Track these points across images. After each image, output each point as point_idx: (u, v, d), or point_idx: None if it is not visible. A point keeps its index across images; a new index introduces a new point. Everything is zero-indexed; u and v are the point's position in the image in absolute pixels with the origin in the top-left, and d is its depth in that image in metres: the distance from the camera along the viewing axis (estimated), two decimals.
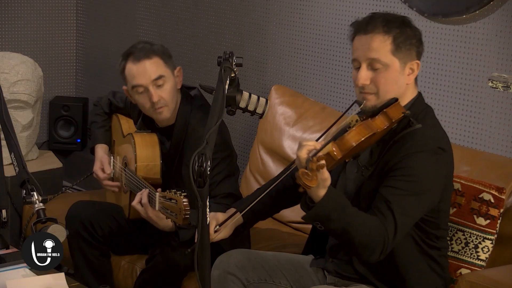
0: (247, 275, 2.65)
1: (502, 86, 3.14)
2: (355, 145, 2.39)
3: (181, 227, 2.95)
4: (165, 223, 2.98)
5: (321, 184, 2.36)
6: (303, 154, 2.36)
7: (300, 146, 2.39)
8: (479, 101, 3.25)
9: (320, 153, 2.34)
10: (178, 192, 2.77)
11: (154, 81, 3.11)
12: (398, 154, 2.49)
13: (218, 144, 3.01)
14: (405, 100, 2.59)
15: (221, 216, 2.75)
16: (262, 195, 2.66)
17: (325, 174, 2.36)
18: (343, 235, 2.45)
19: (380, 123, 2.46)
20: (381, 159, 2.54)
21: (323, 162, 2.31)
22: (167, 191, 2.85)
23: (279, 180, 2.63)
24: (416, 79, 2.64)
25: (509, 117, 3.16)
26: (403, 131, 2.52)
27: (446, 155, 2.53)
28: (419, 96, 2.65)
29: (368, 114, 2.52)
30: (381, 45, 2.53)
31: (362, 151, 2.55)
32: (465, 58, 3.28)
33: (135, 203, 2.99)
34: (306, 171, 2.29)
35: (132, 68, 3.15)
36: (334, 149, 2.38)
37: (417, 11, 3.40)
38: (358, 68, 2.57)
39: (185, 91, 3.24)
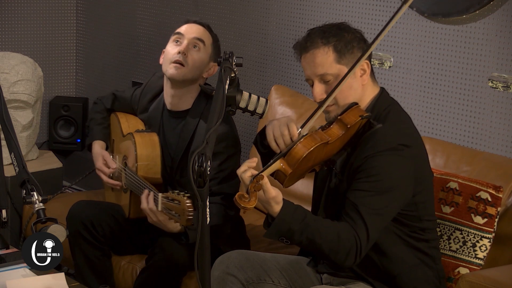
0: (246, 275, 2.66)
1: (502, 86, 3.15)
2: (304, 157, 2.42)
3: (189, 228, 2.95)
4: (173, 225, 2.98)
5: (271, 202, 2.40)
6: (246, 176, 2.38)
7: (243, 167, 2.41)
8: (479, 101, 3.25)
9: (265, 172, 2.38)
10: (182, 193, 2.77)
11: (193, 39, 3.19)
12: (360, 156, 2.51)
13: (228, 137, 3.02)
14: (366, 100, 2.61)
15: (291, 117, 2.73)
16: None
17: (271, 193, 2.39)
18: (310, 245, 2.47)
19: (335, 131, 2.49)
20: (348, 161, 2.57)
21: (261, 182, 2.35)
22: (170, 191, 2.84)
23: None
24: (373, 76, 2.65)
25: (509, 117, 3.16)
26: (366, 133, 2.54)
27: (410, 150, 2.52)
28: (381, 93, 2.66)
29: (330, 123, 2.54)
30: (323, 58, 2.57)
31: (328, 159, 2.57)
32: (465, 58, 3.28)
33: (144, 207, 2.99)
34: (242, 193, 2.34)
35: (185, 25, 3.27)
36: (282, 165, 2.43)
37: (417, 11, 3.40)
38: (312, 85, 2.61)
39: (206, 86, 3.25)
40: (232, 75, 2.43)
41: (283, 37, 4.00)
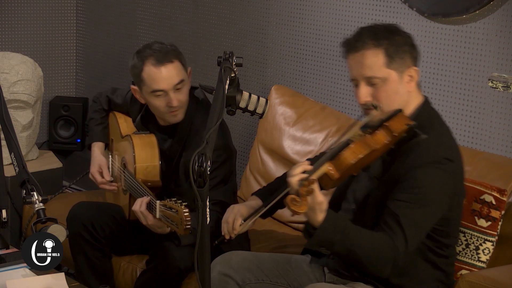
0: (243, 276, 2.65)
1: (502, 86, 3.14)
2: (353, 163, 2.40)
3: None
4: (163, 229, 2.97)
5: (317, 208, 2.38)
6: (294, 179, 2.37)
7: (292, 170, 2.39)
8: (479, 101, 3.25)
9: (315, 175, 2.35)
10: (179, 202, 2.77)
11: (175, 85, 3.09)
12: (403, 166, 2.48)
13: (218, 147, 3.01)
14: (410, 107, 2.57)
15: (245, 211, 2.75)
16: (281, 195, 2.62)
17: (319, 198, 2.37)
18: (350, 256, 2.46)
19: (380, 138, 2.45)
20: (389, 169, 2.54)
21: (312, 187, 2.32)
22: (167, 200, 2.83)
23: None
24: (419, 84, 2.61)
25: (509, 117, 3.16)
26: (409, 142, 2.49)
27: (452, 165, 2.50)
28: (425, 101, 2.62)
29: (373, 127, 2.50)
30: (373, 61, 2.52)
31: (367, 165, 2.54)
32: (465, 58, 3.28)
33: (136, 209, 2.99)
34: (294, 197, 2.31)
35: (153, 71, 3.08)
36: (330, 168, 2.40)
37: (417, 11, 3.40)
38: (357, 86, 2.56)
39: (191, 90, 3.24)
40: (232, 75, 2.42)
41: (283, 37, 4.00)
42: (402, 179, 2.47)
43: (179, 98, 3.10)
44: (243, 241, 3.24)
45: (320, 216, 2.39)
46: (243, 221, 2.70)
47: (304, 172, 2.39)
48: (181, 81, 3.10)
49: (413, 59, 2.57)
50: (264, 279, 2.68)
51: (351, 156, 2.40)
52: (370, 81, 2.53)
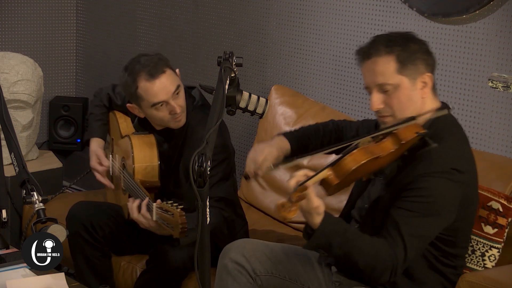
0: (254, 266, 2.63)
1: (502, 86, 3.14)
2: (353, 169, 2.38)
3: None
4: (163, 232, 2.97)
5: (313, 212, 2.38)
6: (291, 184, 2.36)
7: (292, 176, 2.38)
8: (479, 101, 3.25)
9: (311, 181, 2.34)
10: (175, 204, 2.77)
11: (173, 95, 3.07)
12: (411, 174, 2.47)
13: (216, 146, 3.01)
14: (425, 115, 2.54)
15: (275, 153, 2.73)
16: (317, 152, 2.62)
17: (314, 203, 2.36)
18: (347, 260, 2.46)
19: (387, 146, 2.43)
20: (398, 176, 2.53)
21: (305, 193, 2.31)
22: (164, 202, 2.83)
23: (337, 147, 2.60)
24: (435, 90, 2.58)
25: (509, 117, 3.16)
26: (420, 150, 2.48)
27: (461, 175, 2.47)
28: (443, 109, 2.57)
29: (384, 134, 2.48)
30: (385, 67, 2.50)
31: (377, 170, 2.53)
32: (465, 58, 3.28)
33: (134, 217, 2.98)
34: (284, 202, 2.30)
35: (149, 86, 3.05)
36: (330, 173, 2.39)
37: (417, 11, 3.40)
38: (371, 93, 2.55)
39: (186, 90, 3.24)
40: (232, 75, 2.42)
41: (283, 37, 4.00)
42: (408, 187, 2.46)
43: (180, 103, 3.10)
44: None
45: (317, 219, 2.40)
46: (272, 166, 2.62)
47: (304, 176, 2.38)
48: (178, 87, 3.09)
49: (427, 66, 2.54)
50: (273, 272, 2.66)
51: (351, 162, 2.39)
52: (382, 88, 2.51)
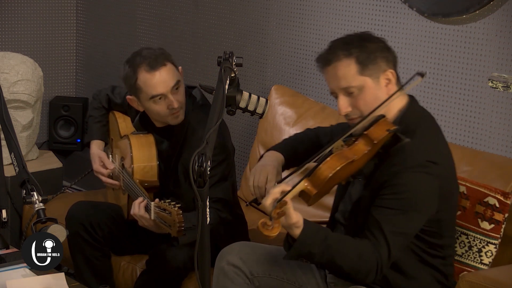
0: (251, 268, 2.64)
1: (502, 86, 3.14)
2: (330, 176, 2.39)
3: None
4: (161, 230, 2.98)
5: (293, 227, 2.38)
6: (267, 202, 2.35)
7: (267, 194, 2.38)
8: (479, 101, 3.25)
9: (288, 196, 2.34)
10: (173, 203, 2.77)
11: (172, 89, 3.07)
12: (387, 172, 2.48)
13: (216, 146, 3.01)
14: (393, 111, 2.55)
15: (272, 171, 2.72)
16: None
17: (293, 219, 2.36)
18: (331, 266, 2.47)
19: (360, 148, 2.44)
20: (375, 174, 2.53)
21: (284, 209, 2.30)
22: (162, 201, 2.83)
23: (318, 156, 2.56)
24: (399, 84, 2.58)
25: (509, 117, 3.16)
26: (394, 147, 2.48)
27: (437, 167, 2.48)
28: (410, 102, 2.60)
29: (356, 136, 2.49)
30: (346, 71, 2.51)
31: (354, 173, 2.53)
32: (465, 58, 3.28)
33: (135, 212, 2.99)
34: (265, 221, 2.30)
35: (149, 78, 3.06)
36: (306, 184, 2.40)
37: (417, 11, 3.40)
38: (337, 98, 2.56)
39: (187, 90, 3.24)
40: (232, 75, 2.42)
41: (283, 37, 4.00)
42: (385, 185, 2.46)
43: (178, 99, 3.10)
44: (243, 240, 3.24)
45: (297, 231, 2.40)
46: (276, 184, 2.63)
47: (281, 192, 2.37)
48: (177, 82, 3.10)
49: (388, 63, 2.55)
50: (271, 274, 2.67)
51: (327, 170, 2.39)
52: (347, 91, 2.52)
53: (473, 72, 3.25)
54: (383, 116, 2.49)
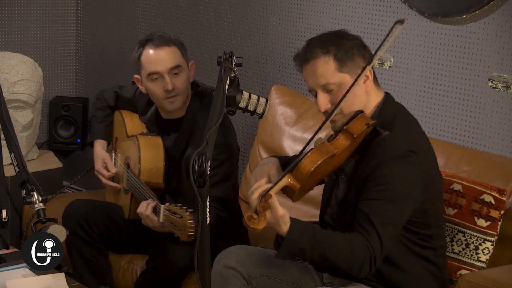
0: (248, 269, 2.65)
1: (502, 86, 3.15)
2: (312, 171, 2.41)
3: None
4: (164, 230, 2.98)
5: (280, 221, 2.40)
6: (253, 197, 2.38)
7: (252, 189, 2.41)
8: (479, 101, 3.25)
9: (273, 190, 2.37)
10: (184, 208, 2.77)
11: (171, 69, 3.11)
12: (368, 165, 2.50)
13: (220, 145, 3.01)
14: (370, 107, 2.60)
15: (274, 171, 2.71)
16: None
17: (279, 212, 2.38)
18: (324, 261, 2.47)
19: (341, 142, 2.47)
20: (357, 170, 2.56)
21: (269, 202, 2.34)
22: (173, 205, 2.84)
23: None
24: (377, 82, 2.64)
25: (509, 117, 3.16)
26: (373, 141, 2.52)
27: (418, 156, 2.51)
28: (386, 98, 2.64)
29: (336, 132, 2.53)
30: (325, 68, 2.55)
31: (336, 169, 2.56)
32: (465, 58, 3.28)
33: (142, 211, 2.99)
34: (251, 214, 2.33)
35: (150, 54, 3.13)
36: (290, 180, 2.42)
37: (417, 11, 3.40)
38: (316, 95, 2.59)
39: (195, 87, 3.24)
40: (232, 75, 2.43)
41: (283, 37, 4.00)
42: (369, 178, 2.49)
43: (175, 83, 3.11)
44: (243, 242, 3.24)
45: (284, 228, 2.41)
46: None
47: (265, 187, 2.40)
48: (177, 66, 3.12)
49: (365, 59, 2.58)
50: (268, 275, 2.67)
51: (309, 164, 2.41)
52: (326, 88, 2.56)
53: (473, 72, 3.25)
54: (361, 111, 2.53)
